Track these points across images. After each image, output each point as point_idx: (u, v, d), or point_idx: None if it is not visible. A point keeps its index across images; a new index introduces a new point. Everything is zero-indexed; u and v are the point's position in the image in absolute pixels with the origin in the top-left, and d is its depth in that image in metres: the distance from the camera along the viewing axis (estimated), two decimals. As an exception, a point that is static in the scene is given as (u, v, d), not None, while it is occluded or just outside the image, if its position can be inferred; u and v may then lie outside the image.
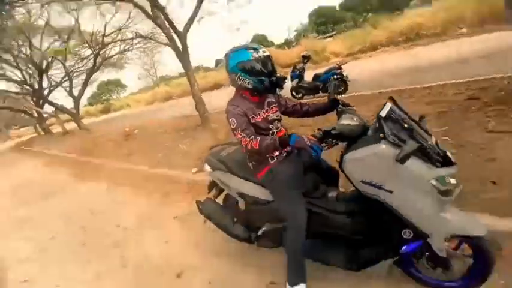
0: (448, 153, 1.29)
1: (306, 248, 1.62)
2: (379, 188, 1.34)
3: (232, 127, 1.58)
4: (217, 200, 2.25)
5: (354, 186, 1.46)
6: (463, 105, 3.59)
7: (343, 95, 6.02)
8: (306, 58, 7.47)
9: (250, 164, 1.79)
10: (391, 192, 1.32)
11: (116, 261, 2.57)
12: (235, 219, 2.02)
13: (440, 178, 1.24)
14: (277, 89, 1.69)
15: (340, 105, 1.68)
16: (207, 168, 2.12)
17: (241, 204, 1.97)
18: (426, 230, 1.32)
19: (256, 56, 1.58)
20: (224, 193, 2.23)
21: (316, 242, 1.68)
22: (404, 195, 1.31)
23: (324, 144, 1.43)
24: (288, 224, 1.61)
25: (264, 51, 1.61)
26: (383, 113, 1.35)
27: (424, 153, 1.25)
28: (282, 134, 1.65)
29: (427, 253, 1.45)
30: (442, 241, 1.34)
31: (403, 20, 13.54)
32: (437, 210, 1.29)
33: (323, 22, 39.97)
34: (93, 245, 2.99)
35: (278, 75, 1.63)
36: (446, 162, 1.26)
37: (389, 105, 1.42)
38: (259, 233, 1.84)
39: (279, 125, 1.76)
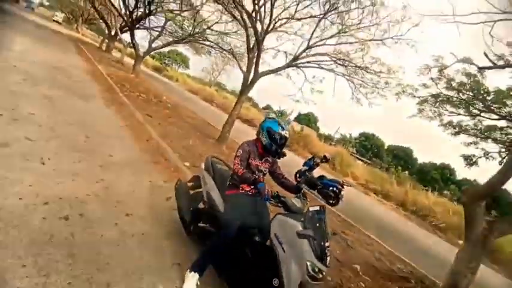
0: (328, 258, 1.91)
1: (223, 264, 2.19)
2: (280, 244, 1.98)
3: (236, 154, 2.37)
4: (190, 190, 2.93)
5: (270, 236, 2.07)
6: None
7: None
8: (325, 159, 8.35)
9: (228, 182, 2.48)
10: (284, 251, 1.94)
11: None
12: (191, 209, 2.65)
13: (313, 265, 1.83)
14: (276, 157, 2.50)
15: (300, 194, 2.32)
16: (202, 165, 2.83)
17: (203, 203, 2.64)
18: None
19: (280, 132, 2.41)
20: (198, 190, 2.87)
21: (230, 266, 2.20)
22: (289, 258, 1.90)
23: (272, 200, 2.15)
24: (221, 232, 2.20)
25: (286, 133, 2.44)
26: (312, 209, 2.04)
27: (315, 245, 1.87)
28: (259, 180, 2.33)
29: None
30: None
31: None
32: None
33: (365, 146, 42.47)
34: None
35: (284, 151, 2.46)
36: (323, 260, 1.88)
37: (317, 208, 2.06)
38: (199, 224, 2.52)
39: (261, 175, 2.50)
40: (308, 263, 1.84)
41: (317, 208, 2.04)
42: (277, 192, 2.18)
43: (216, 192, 2.54)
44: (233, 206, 2.34)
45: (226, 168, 2.83)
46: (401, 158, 40.57)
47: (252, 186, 2.37)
